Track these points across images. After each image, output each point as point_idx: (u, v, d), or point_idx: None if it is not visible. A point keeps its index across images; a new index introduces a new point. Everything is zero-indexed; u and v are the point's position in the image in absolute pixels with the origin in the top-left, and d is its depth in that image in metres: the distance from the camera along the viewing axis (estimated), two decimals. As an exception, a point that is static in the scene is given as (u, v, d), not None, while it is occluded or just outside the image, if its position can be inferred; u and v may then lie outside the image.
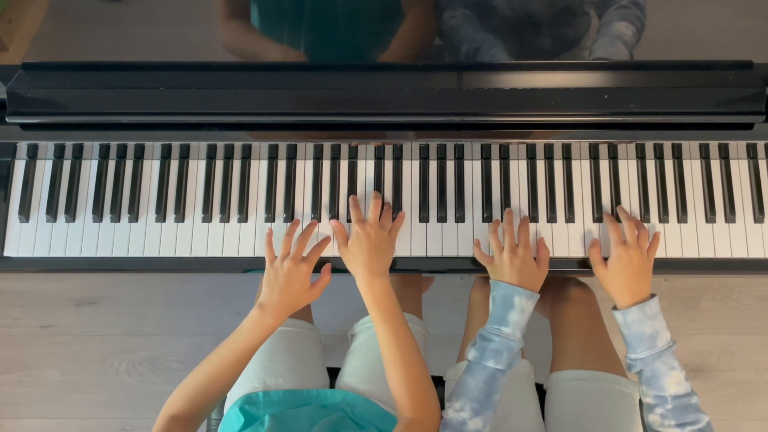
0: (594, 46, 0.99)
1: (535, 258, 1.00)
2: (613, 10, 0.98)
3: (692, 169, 1.05)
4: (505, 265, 0.97)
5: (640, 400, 1.05)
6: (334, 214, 1.05)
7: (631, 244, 0.97)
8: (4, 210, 1.05)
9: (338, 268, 1.03)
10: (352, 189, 1.06)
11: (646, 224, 1.03)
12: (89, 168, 1.07)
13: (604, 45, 0.98)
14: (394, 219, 1.03)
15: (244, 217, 1.05)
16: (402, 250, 1.04)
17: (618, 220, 1.01)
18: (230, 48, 1.00)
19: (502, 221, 1.03)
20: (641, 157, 1.05)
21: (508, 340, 0.92)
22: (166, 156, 1.06)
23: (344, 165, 1.07)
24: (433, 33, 1.00)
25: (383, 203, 1.04)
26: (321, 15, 0.98)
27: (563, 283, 1.29)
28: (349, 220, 1.04)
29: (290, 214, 1.05)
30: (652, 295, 0.96)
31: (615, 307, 0.97)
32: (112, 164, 1.07)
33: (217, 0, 0.98)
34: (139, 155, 1.06)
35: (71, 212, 1.05)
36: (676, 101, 0.95)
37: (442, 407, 0.94)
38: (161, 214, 1.05)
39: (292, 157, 1.06)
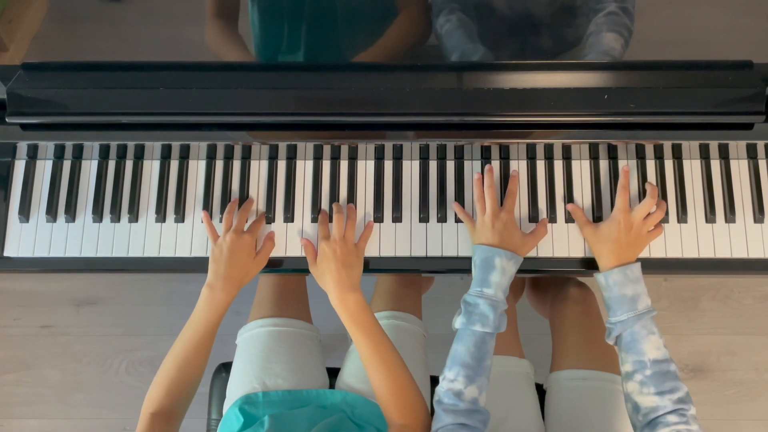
0: (584, 60, 0.98)
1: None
2: (602, 16, 0.96)
3: (692, 169, 1.05)
4: (487, 227, 0.97)
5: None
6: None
7: (637, 216, 0.97)
8: (4, 210, 1.05)
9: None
10: (351, 189, 1.06)
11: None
12: (89, 168, 1.07)
13: (594, 61, 0.97)
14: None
15: (244, 217, 1.05)
16: (402, 250, 1.04)
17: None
18: (210, 45, 1.00)
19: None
20: (641, 157, 1.05)
21: (492, 300, 0.92)
22: (166, 156, 1.06)
23: (344, 165, 1.07)
24: (426, 33, 1.00)
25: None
26: (320, 15, 0.98)
27: (563, 283, 1.29)
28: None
29: (291, 214, 1.05)
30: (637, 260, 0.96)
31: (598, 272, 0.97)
32: (112, 164, 1.07)
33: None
34: (139, 155, 1.06)
35: (71, 212, 1.05)
36: (676, 101, 0.95)
37: (432, 413, 0.93)
38: (161, 214, 1.05)
39: (292, 157, 1.06)
